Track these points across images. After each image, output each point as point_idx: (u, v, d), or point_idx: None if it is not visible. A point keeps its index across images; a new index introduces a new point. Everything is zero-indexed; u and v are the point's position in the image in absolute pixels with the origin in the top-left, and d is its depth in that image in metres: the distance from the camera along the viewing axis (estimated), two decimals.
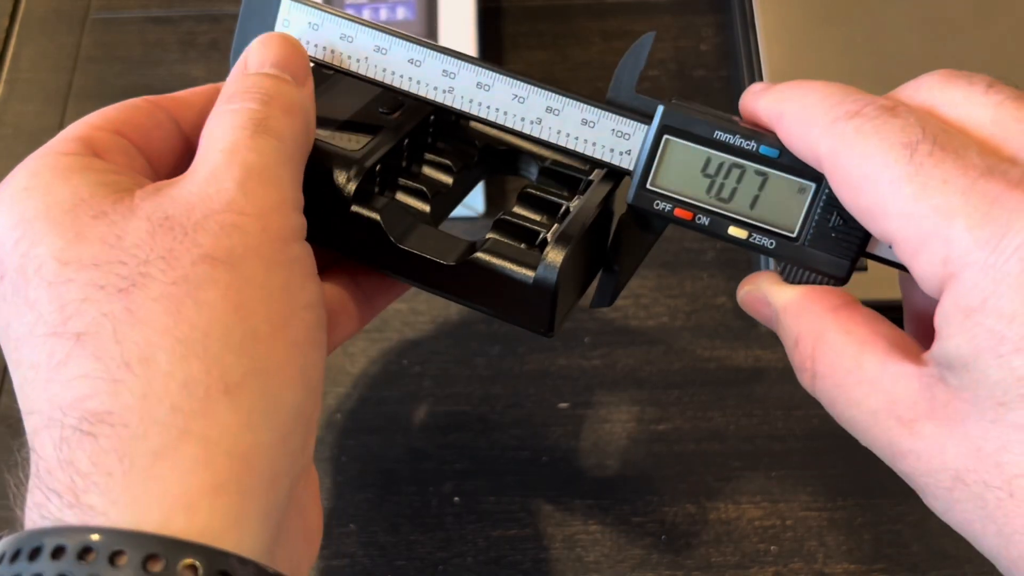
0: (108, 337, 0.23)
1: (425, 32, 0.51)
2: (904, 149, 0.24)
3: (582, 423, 0.45)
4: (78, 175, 0.26)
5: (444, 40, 0.51)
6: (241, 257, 0.25)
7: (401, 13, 0.52)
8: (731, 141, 0.29)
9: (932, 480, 0.25)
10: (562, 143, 0.31)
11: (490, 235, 0.31)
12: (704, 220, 0.30)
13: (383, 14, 0.52)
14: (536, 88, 0.30)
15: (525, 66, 0.54)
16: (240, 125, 0.27)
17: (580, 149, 0.31)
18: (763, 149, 0.29)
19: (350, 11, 0.52)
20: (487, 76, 0.31)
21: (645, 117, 0.30)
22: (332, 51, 0.32)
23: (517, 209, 0.32)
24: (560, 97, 0.30)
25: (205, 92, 0.32)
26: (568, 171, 0.34)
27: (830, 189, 0.28)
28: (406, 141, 0.33)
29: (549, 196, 0.32)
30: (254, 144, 0.27)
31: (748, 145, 0.29)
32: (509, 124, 0.31)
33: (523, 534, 0.42)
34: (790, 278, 0.30)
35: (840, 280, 0.29)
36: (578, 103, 0.30)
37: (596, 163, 0.31)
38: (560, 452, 0.44)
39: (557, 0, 0.57)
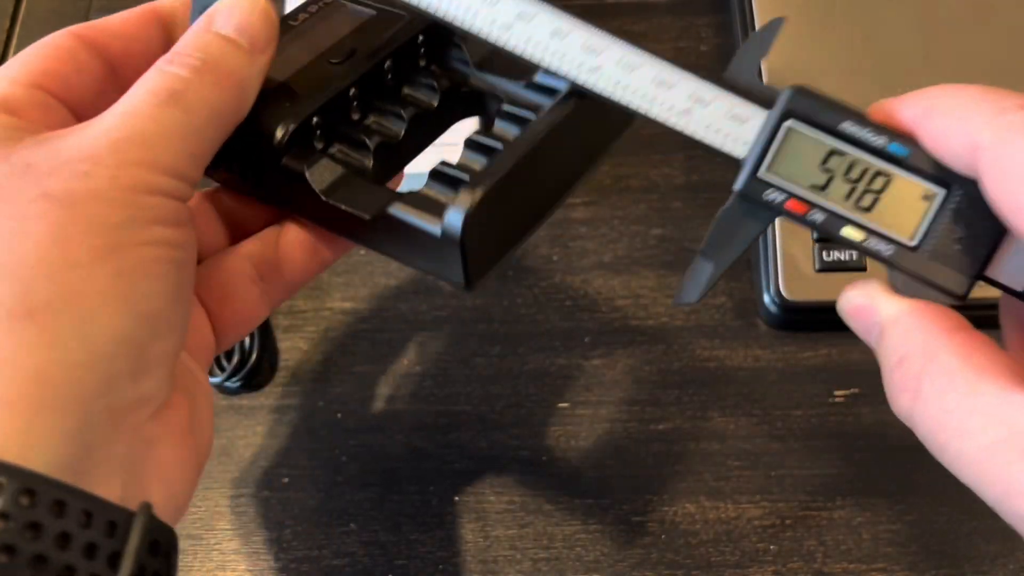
0: None
1: None
2: None
3: (582, 423, 0.45)
4: None
5: None
6: (80, 199, 0.26)
7: None
8: (859, 134, 0.27)
9: None
10: (672, 122, 0.29)
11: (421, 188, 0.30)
12: (817, 217, 0.28)
13: None
14: (649, 58, 0.28)
15: None
16: (154, 91, 0.28)
17: (690, 131, 0.29)
18: (893, 147, 0.27)
19: None
20: (599, 40, 0.29)
21: (763, 103, 0.28)
22: None
23: (460, 158, 0.31)
24: (674, 70, 0.28)
25: (134, 18, 0.33)
26: (522, 112, 0.32)
27: (960, 198, 0.27)
28: (353, 90, 0.32)
29: (488, 140, 0.31)
30: (155, 113, 0.28)
31: (877, 140, 0.27)
32: (618, 98, 0.29)
33: (523, 534, 0.43)
34: (900, 289, 0.28)
35: (957, 297, 0.27)
36: (694, 79, 0.28)
37: (704, 148, 0.29)
38: (560, 452, 0.44)
39: (557, 1, 0.57)
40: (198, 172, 0.29)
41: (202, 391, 0.30)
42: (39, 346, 0.24)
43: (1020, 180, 0.24)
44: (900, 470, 0.43)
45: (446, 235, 0.29)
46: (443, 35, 0.34)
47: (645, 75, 0.29)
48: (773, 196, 0.28)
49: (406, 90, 0.34)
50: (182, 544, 0.43)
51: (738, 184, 0.28)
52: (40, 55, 0.31)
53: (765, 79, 0.49)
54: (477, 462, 0.44)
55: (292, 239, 0.33)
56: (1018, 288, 0.27)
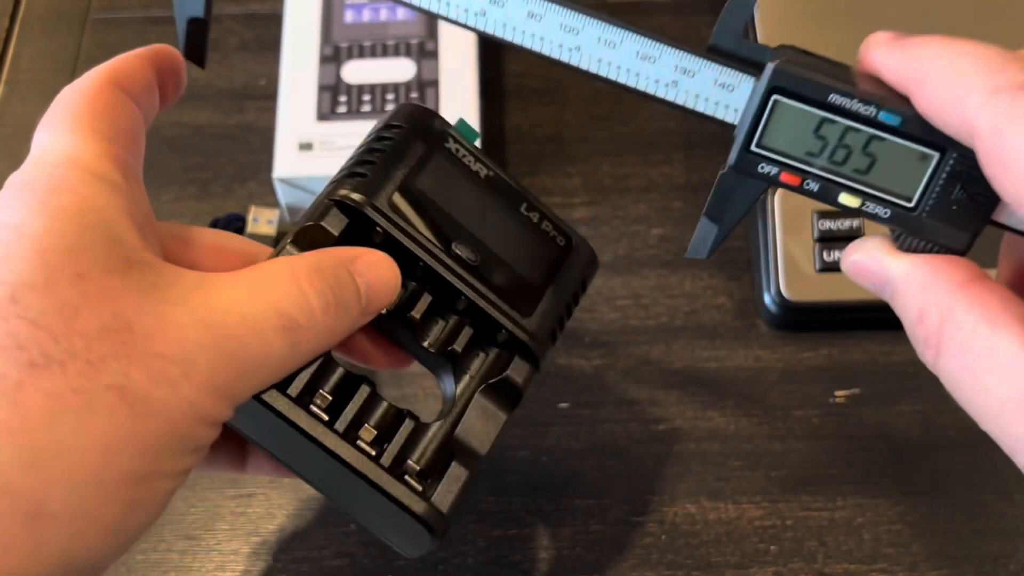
0: None
1: (425, 34, 0.51)
2: None
3: (582, 423, 0.45)
4: (105, 228, 0.25)
5: (444, 41, 0.51)
6: (149, 409, 0.24)
7: (401, 14, 0.52)
8: (848, 105, 0.26)
9: None
10: (660, 94, 0.28)
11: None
12: (813, 186, 0.28)
13: (383, 14, 0.52)
14: (629, 33, 0.28)
15: (525, 67, 0.55)
16: (284, 312, 0.27)
17: (680, 101, 0.28)
18: (883, 115, 0.26)
19: (350, 12, 0.52)
20: (576, 19, 0.29)
21: (752, 67, 0.28)
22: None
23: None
24: (655, 43, 0.28)
25: (140, 61, 0.30)
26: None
27: (955, 160, 0.26)
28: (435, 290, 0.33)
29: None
30: (269, 339, 0.26)
31: (867, 110, 0.26)
32: (603, 74, 0.29)
33: (523, 534, 0.42)
34: (904, 246, 0.28)
35: (959, 252, 0.27)
36: (676, 50, 0.28)
37: (697, 115, 0.29)
38: (560, 452, 0.44)
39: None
40: (249, 396, 0.28)
41: None
42: (26, 554, 0.23)
43: (1017, 174, 0.23)
44: (900, 471, 0.43)
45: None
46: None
47: (627, 50, 0.28)
48: (767, 168, 0.28)
49: (440, 320, 0.34)
50: (182, 544, 0.43)
51: (731, 159, 0.28)
52: (110, 108, 0.28)
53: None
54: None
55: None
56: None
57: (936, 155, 0.26)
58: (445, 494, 0.31)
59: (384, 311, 0.31)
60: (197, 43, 0.33)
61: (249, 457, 0.34)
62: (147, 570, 0.42)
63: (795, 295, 0.45)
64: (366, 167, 0.33)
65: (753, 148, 0.28)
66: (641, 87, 0.28)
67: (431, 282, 0.33)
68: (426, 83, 0.50)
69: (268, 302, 0.27)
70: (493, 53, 0.55)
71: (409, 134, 0.34)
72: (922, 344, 0.26)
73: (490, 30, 0.29)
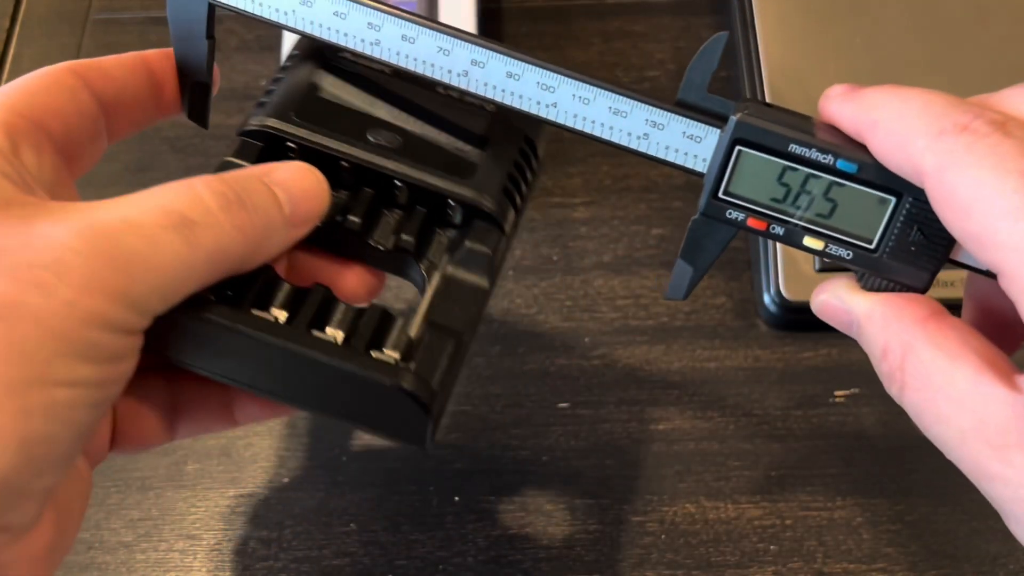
0: None
1: None
2: (1021, 178, 0.23)
3: (582, 423, 0.45)
4: None
5: None
6: (21, 315, 0.23)
7: None
8: (807, 154, 0.28)
9: (1020, 508, 0.24)
10: (633, 146, 0.30)
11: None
12: (779, 230, 0.29)
13: None
14: (601, 90, 0.30)
15: None
16: (168, 209, 0.26)
17: (652, 152, 0.30)
18: (840, 164, 0.28)
19: None
20: (552, 79, 0.30)
21: (718, 119, 0.29)
22: (276, 9, 0.31)
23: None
24: (626, 99, 0.30)
25: (128, 63, 0.31)
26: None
27: (911, 204, 0.27)
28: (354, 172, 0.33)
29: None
30: (155, 234, 0.25)
31: (825, 159, 0.28)
32: (579, 128, 0.30)
33: (523, 534, 0.43)
34: (867, 285, 0.29)
35: (920, 291, 0.28)
36: (646, 105, 0.30)
37: (668, 165, 0.30)
38: (560, 452, 0.44)
39: (557, 1, 0.57)
40: (167, 306, 0.26)
41: (78, 494, 0.28)
42: None
43: (962, 212, 0.24)
44: (900, 470, 0.44)
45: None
46: (469, 214, 0.33)
47: (600, 106, 0.30)
48: (734, 215, 0.30)
49: (390, 215, 0.33)
50: (182, 544, 0.43)
51: (701, 206, 0.30)
52: (44, 84, 0.29)
53: (765, 79, 0.49)
54: (477, 462, 0.44)
55: (199, 390, 0.32)
56: (980, 267, 0.28)
57: (893, 199, 0.28)
58: (429, 364, 0.29)
59: (320, 222, 0.30)
60: (200, 106, 0.34)
61: (235, 406, 0.33)
62: (147, 570, 0.42)
63: (795, 295, 0.45)
64: (266, 96, 0.33)
65: (721, 196, 0.29)
66: (615, 140, 0.30)
67: (362, 182, 0.32)
68: None
69: (153, 204, 0.26)
70: None
71: (302, 58, 0.34)
72: (887, 379, 0.27)
73: (472, 88, 0.30)
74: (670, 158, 0.30)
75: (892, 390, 0.27)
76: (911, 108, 0.25)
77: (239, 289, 0.29)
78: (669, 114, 0.29)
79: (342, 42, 0.31)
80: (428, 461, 0.44)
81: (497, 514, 0.43)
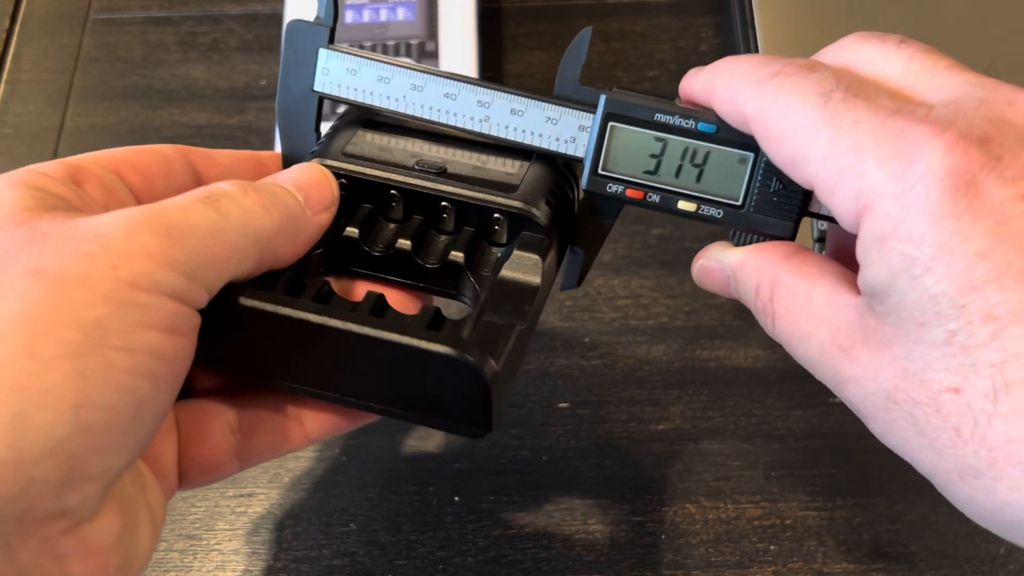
0: None
1: (425, 34, 0.51)
2: (819, 98, 0.26)
3: (582, 423, 0.45)
4: (27, 189, 0.27)
5: (444, 42, 0.51)
6: (69, 281, 0.24)
7: (401, 14, 0.52)
8: (671, 121, 0.30)
9: (870, 403, 0.27)
10: (528, 140, 0.32)
11: None
12: (655, 197, 0.31)
13: (383, 15, 0.52)
14: (499, 93, 0.32)
15: (524, 67, 0.55)
16: (196, 192, 0.28)
17: (545, 145, 0.32)
18: (701, 126, 0.30)
19: (350, 12, 0.52)
20: (487, 95, 0.32)
21: (592, 107, 0.31)
22: (371, 93, 0.33)
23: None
24: (523, 99, 0.32)
25: (237, 155, 0.33)
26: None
27: (767, 156, 0.29)
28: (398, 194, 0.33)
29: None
30: (187, 204, 0.27)
31: (687, 123, 0.30)
32: (483, 131, 0.32)
33: (523, 534, 0.43)
34: (739, 242, 0.31)
35: (788, 239, 0.31)
36: (539, 102, 0.32)
37: (553, 155, 0.32)
38: (560, 452, 0.44)
39: (557, 1, 0.57)
40: (218, 280, 0.28)
41: (148, 517, 0.28)
42: None
43: (778, 141, 0.27)
44: (900, 470, 0.43)
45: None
46: (516, 226, 0.33)
47: (501, 108, 0.32)
48: (614, 188, 0.32)
49: (438, 238, 0.34)
50: (182, 544, 0.43)
51: (583, 183, 0.32)
52: (134, 149, 0.31)
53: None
54: (477, 462, 0.44)
55: (272, 404, 0.33)
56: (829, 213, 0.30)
57: (751, 155, 0.30)
58: (489, 342, 0.29)
59: (354, 237, 0.32)
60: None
61: (305, 419, 0.33)
62: (148, 570, 0.42)
63: None
64: (319, 145, 0.34)
65: (600, 172, 0.32)
66: (519, 139, 0.32)
67: (410, 211, 0.33)
68: None
69: (178, 195, 0.28)
70: (493, 54, 0.55)
71: (352, 111, 0.35)
72: (762, 314, 0.29)
73: (410, 113, 0.33)
74: (556, 147, 0.32)
75: (766, 324, 0.29)
76: (739, 68, 0.28)
77: (296, 291, 0.30)
78: (562, 108, 0.32)
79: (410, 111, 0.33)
80: (428, 461, 0.44)
81: (497, 514, 0.43)
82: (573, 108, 0.32)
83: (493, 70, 0.54)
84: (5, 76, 0.56)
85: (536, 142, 0.32)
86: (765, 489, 0.43)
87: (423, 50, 0.51)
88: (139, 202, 0.30)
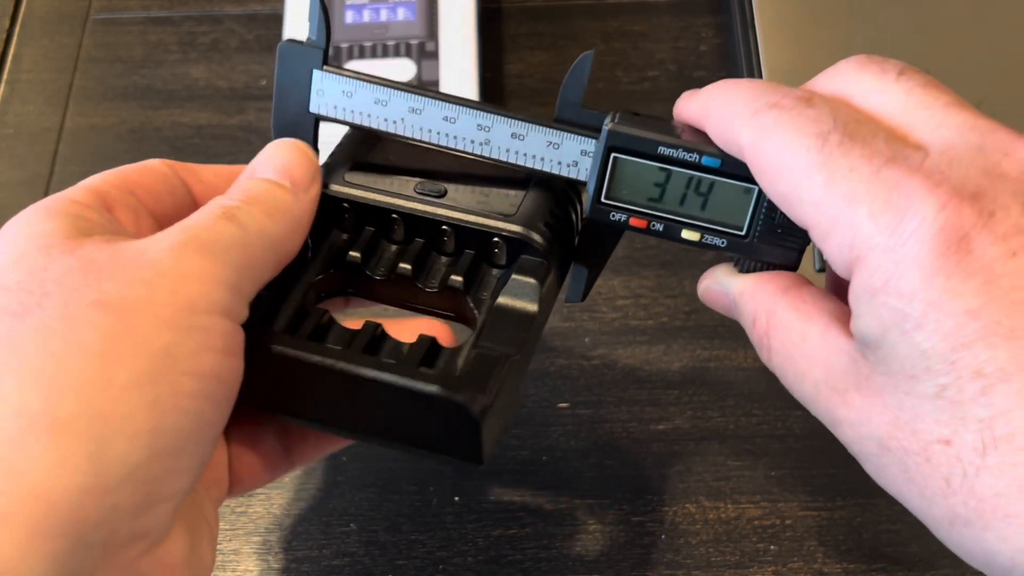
0: None
1: (426, 34, 0.51)
2: (816, 139, 0.26)
3: (582, 423, 0.45)
4: (65, 217, 0.27)
5: (444, 42, 0.51)
6: (133, 309, 0.25)
7: (401, 14, 0.52)
8: (675, 155, 0.30)
9: (863, 447, 0.27)
10: (529, 164, 0.32)
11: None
12: (658, 226, 0.31)
13: (383, 15, 0.52)
14: (500, 117, 0.32)
15: (524, 67, 0.55)
16: (210, 211, 0.29)
17: (547, 168, 0.32)
18: (705, 160, 0.30)
19: (350, 12, 0.52)
20: (487, 119, 0.32)
21: (595, 131, 0.31)
22: (368, 115, 0.33)
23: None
24: (524, 123, 0.32)
25: (219, 172, 0.34)
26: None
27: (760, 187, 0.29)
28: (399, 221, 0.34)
29: None
30: (213, 224, 0.28)
31: (691, 157, 0.30)
32: (485, 154, 0.32)
33: (523, 534, 0.43)
34: (744, 268, 0.31)
35: (791, 268, 0.31)
36: (540, 127, 0.32)
37: (569, 180, 0.32)
38: (560, 452, 0.44)
39: (557, 1, 0.57)
40: (253, 291, 0.29)
41: (206, 527, 0.29)
42: (51, 464, 0.23)
43: (772, 176, 0.27)
44: None
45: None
46: (514, 253, 0.33)
47: (501, 132, 0.32)
48: (617, 216, 0.32)
49: (439, 260, 0.34)
50: None
51: (586, 211, 0.32)
52: (139, 168, 0.31)
53: (766, 80, 0.49)
54: None
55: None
56: None
57: (755, 188, 0.30)
58: (478, 377, 0.29)
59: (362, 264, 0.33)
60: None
61: (295, 447, 0.34)
62: None
63: None
64: (322, 167, 0.34)
65: (603, 200, 0.31)
66: (521, 163, 0.32)
67: (411, 235, 0.34)
68: (426, 83, 0.50)
69: (195, 216, 0.29)
70: (493, 54, 0.55)
71: (356, 133, 0.35)
72: (758, 345, 0.29)
73: (409, 135, 0.33)
74: (570, 174, 0.32)
75: (762, 356, 0.29)
76: (735, 95, 0.28)
77: (297, 326, 0.31)
78: (563, 133, 0.31)
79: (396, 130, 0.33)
80: (428, 461, 0.44)
81: (497, 514, 0.43)
82: (575, 133, 0.31)
83: (493, 70, 0.54)
84: (5, 76, 0.56)
85: (538, 166, 0.32)
86: (765, 489, 0.43)
87: (423, 50, 0.51)
88: (158, 222, 0.31)
